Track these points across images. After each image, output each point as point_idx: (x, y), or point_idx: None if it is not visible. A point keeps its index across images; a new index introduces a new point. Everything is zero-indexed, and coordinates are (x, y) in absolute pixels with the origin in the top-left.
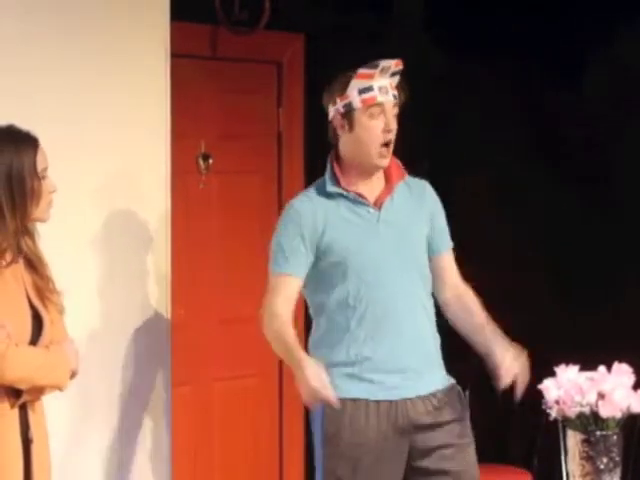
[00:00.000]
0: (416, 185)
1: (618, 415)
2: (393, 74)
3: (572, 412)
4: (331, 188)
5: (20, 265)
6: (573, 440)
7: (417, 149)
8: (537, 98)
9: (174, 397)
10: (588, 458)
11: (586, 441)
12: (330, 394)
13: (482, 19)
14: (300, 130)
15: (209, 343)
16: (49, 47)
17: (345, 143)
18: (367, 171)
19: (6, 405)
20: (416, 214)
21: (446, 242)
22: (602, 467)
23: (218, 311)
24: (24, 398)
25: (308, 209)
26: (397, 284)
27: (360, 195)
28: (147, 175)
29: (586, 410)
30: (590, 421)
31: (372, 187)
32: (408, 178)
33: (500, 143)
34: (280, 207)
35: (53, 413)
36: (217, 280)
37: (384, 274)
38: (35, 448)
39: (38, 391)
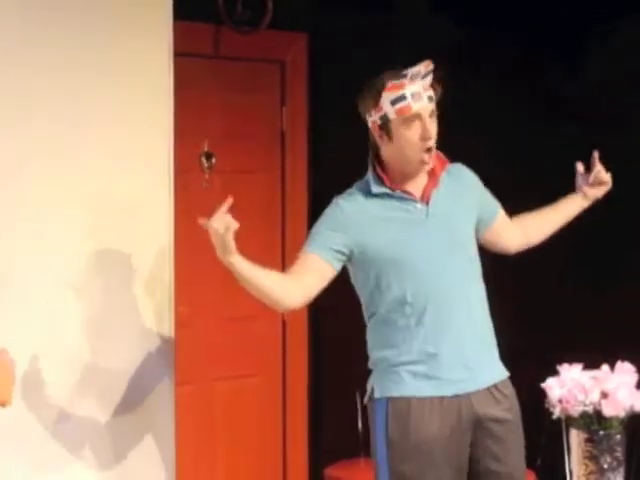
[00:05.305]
0: (453, 170)
1: (621, 414)
2: (424, 76)
3: (575, 411)
4: (377, 189)
5: None
6: (576, 439)
7: None
8: (542, 87)
9: (177, 396)
10: (591, 457)
11: (589, 440)
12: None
13: (486, 18)
14: (304, 129)
15: (212, 342)
16: (51, 46)
17: (386, 151)
18: (411, 173)
19: None
20: (462, 200)
21: (495, 209)
22: (605, 466)
23: (221, 310)
24: None
25: (352, 209)
26: (451, 277)
27: (406, 192)
28: (150, 174)
29: (589, 409)
30: (593, 420)
31: (417, 183)
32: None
33: (504, 139)
34: (284, 206)
35: (54, 413)
36: (220, 279)
37: (438, 268)
38: None
39: None
